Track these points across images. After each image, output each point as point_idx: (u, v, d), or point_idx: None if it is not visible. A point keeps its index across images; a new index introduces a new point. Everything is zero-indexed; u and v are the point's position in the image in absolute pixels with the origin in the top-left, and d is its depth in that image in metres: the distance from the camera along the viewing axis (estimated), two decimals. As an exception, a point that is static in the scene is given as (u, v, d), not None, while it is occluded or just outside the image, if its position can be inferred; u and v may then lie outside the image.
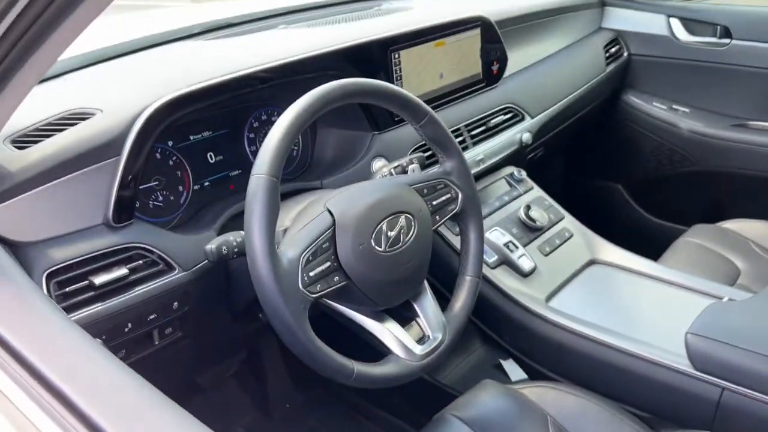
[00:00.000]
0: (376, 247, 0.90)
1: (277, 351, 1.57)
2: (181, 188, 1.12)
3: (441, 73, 1.38)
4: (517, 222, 1.40)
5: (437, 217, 1.03)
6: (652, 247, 1.55)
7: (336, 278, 0.88)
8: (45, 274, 0.85)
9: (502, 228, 1.36)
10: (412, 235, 0.95)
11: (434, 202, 1.02)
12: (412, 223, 0.95)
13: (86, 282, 0.88)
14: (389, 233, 0.92)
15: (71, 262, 0.87)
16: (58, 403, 0.57)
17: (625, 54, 2.00)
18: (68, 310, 0.85)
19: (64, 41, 0.64)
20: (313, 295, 0.85)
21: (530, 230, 1.40)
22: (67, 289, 0.86)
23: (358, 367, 0.88)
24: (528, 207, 1.42)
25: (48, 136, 0.90)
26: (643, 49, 1.99)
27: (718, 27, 1.85)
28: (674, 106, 1.96)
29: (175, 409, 0.57)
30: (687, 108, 1.95)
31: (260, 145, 0.98)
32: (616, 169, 2.16)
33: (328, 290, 0.87)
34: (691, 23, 1.90)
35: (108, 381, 0.61)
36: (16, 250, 0.85)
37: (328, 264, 0.87)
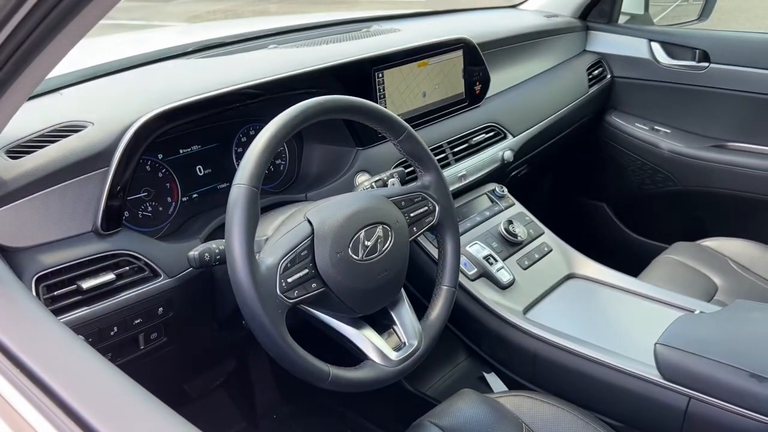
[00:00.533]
0: (353, 256, 0.94)
1: (265, 362, 1.60)
2: (169, 199, 1.16)
3: (424, 92, 1.44)
4: (498, 236, 1.44)
5: (414, 228, 1.07)
6: (634, 263, 1.59)
7: (314, 285, 0.92)
8: (34, 278, 0.88)
9: (483, 242, 1.40)
10: (389, 245, 0.99)
11: (412, 214, 1.06)
12: (389, 234, 0.99)
13: (74, 286, 0.92)
14: (366, 243, 0.96)
15: (60, 267, 0.91)
16: (48, 400, 0.60)
17: (609, 76, 2.06)
18: (56, 312, 0.89)
19: (56, 55, 0.68)
20: (291, 301, 0.89)
21: (510, 244, 1.44)
22: (55, 293, 0.90)
23: (334, 370, 0.92)
24: (509, 222, 1.46)
25: (41, 147, 0.95)
26: (625, 72, 2.05)
27: (697, 51, 1.91)
28: (656, 127, 2.02)
29: (162, 407, 0.59)
30: (668, 129, 2.01)
31: None
32: (601, 188, 2.20)
33: (305, 296, 0.91)
34: (671, 47, 1.96)
35: (95, 379, 0.64)
36: (8, 254, 0.89)
37: (306, 271, 0.91)
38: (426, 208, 1.08)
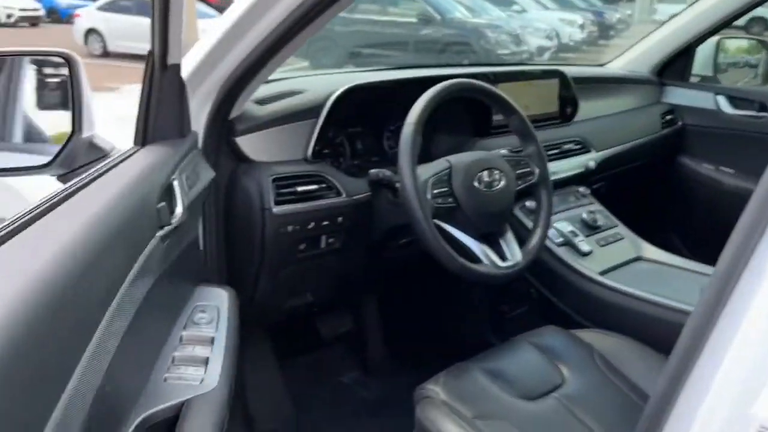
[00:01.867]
0: (476, 185, 1.36)
1: (380, 322, 1.99)
2: (341, 160, 1.62)
3: (527, 105, 1.87)
4: (580, 220, 1.81)
5: (519, 181, 1.47)
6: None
7: (450, 200, 1.34)
8: (271, 179, 1.34)
9: (568, 220, 1.78)
10: (501, 185, 1.40)
11: (518, 171, 1.47)
12: (502, 177, 1.40)
13: (293, 189, 1.37)
14: (486, 179, 1.37)
15: (285, 175, 1.37)
16: None
17: (680, 123, 2.43)
18: (280, 203, 1.34)
19: (290, 51, 1.17)
20: (435, 205, 1.31)
21: (589, 228, 1.80)
22: (281, 190, 1.35)
23: (463, 261, 1.31)
24: (590, 212, 1.83)
25: (276, 101, 1.45)
26: (694, 120, 2.41)
27: (756, 103, 2.27)
28: (721, 168, 2.35)
29: None
30: (732, 169, 2.33)
31: (396, 144, 1.39)
32: (672, 221, 2.52)
33: (443, 205, 1.33)
34: (734, 100, 2.33)
35: None
36: (252, 164, 1.36)
37: (445, 188, 1.34)
38: (528, 169, 1.49)
